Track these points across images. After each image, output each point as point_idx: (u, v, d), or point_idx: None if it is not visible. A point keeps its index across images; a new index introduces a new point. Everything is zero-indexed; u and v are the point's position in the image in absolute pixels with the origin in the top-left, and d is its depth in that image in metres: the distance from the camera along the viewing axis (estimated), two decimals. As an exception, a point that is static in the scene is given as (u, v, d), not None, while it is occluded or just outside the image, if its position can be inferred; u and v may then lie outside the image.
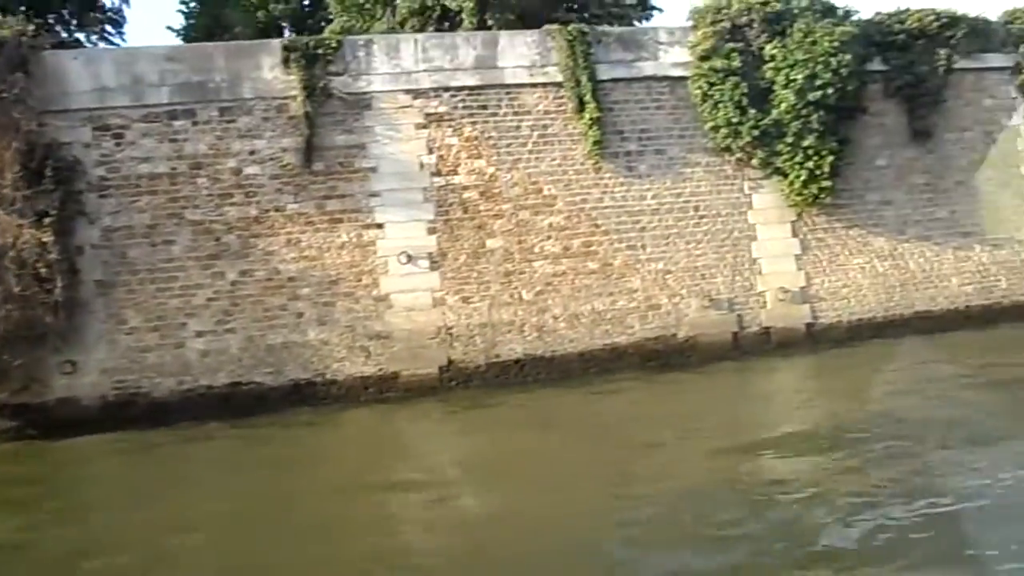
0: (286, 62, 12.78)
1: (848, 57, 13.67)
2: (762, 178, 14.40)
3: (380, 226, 13.00)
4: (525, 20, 15.79)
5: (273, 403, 12.19)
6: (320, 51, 12.92)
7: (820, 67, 13.60)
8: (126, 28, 20.85)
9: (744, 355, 13.99)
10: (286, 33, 22.82)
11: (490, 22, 16.65)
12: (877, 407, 10.07)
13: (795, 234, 14.60)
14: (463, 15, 16.69)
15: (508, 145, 13.57)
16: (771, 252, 14.42)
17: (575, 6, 18.25)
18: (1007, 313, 15.27)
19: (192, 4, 26.41)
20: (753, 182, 14.46)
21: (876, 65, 15.04)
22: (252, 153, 12.69)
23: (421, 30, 17.53)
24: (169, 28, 25.93)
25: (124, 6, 20.74)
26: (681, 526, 6.55)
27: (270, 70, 12.87)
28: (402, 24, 17.65)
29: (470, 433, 11.29)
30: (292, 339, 12.55)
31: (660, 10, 19.93)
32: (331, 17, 19.47)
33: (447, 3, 16.86)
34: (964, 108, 15.67)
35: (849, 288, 14.73)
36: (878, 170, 15.11)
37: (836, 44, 13.68)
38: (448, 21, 17.36)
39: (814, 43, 13.69)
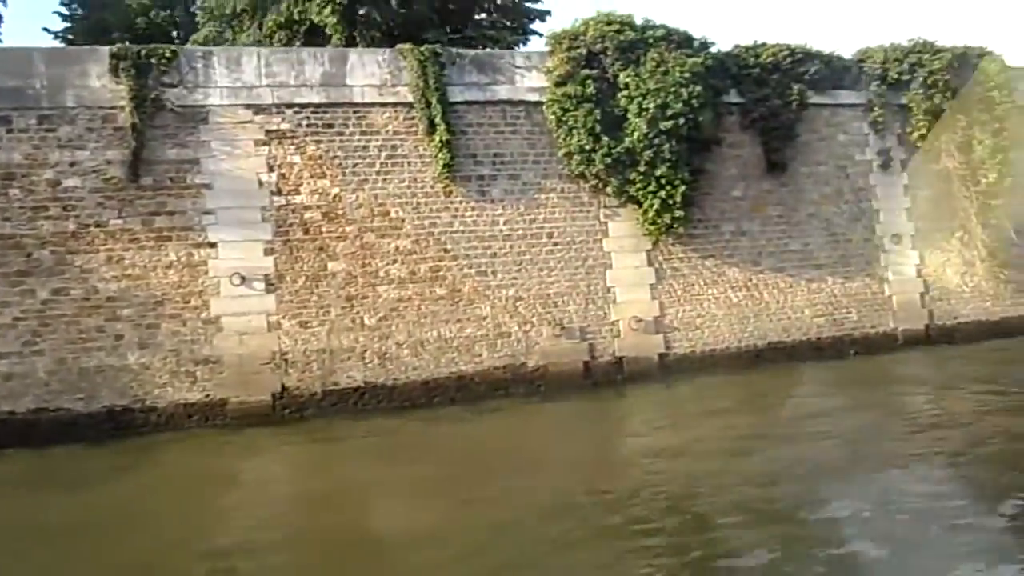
0: (115, 70, 12.11)
1: (699, 88, 13.76)
2: (618, 206, 14.36)
3: (213, 245, 12.38)
4: (397, 39, 15.41)
5: (83, 431, 11.38)
6: (153, 60, 12.29)
7: (671, 97, 13.65)
8: (2, 28, 19.64)
9: (595, 385, 13.85)
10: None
11: (358, 40, 16.22)
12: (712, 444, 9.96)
13: (650, 263, 14.58)
14: (329, 31, 16.26)
15: (354, 165, 13.16)
16: (626, 281, 14.36)
17: (450, 27, 18.05)
18: (857, 344, 15.57)
19: (73, 6, 25.35)
20: (609, 210, 14.40)
21: (733, 97, 15.25)
22: (73, 165, 11.94)
23: (288, 44, 17.03)
24: (46, 30, 24.69)
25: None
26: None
27: (97, 78, 12.17)
28: (269, 37, 17.13)
29: (309, 471, 10.53)
30: (109, 363, 11.77)
31: (539, 34, 20.04)
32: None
33: (314, 19, 16.40)
34: (819, 142, 16.02)
35: (703, 318, 14.77)
36: (734, 201, 15.27)
37: (687, 75, 13.76)
38: (318, 37, 16.89)
39: (666, 73, 13.75)
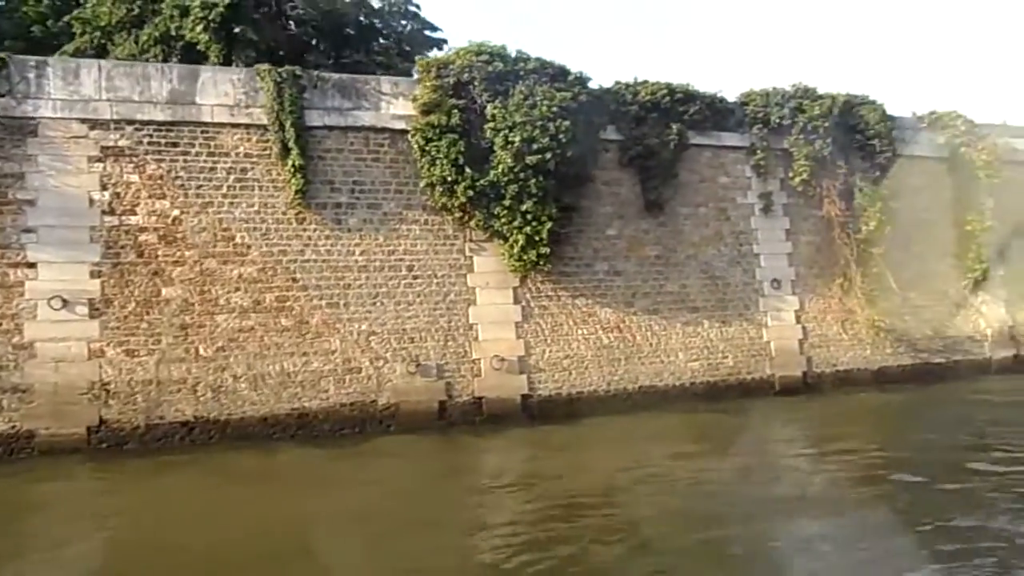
0: (-64, 76, 11.33)
1: (567, 123, 13.44)
2: (484, 240, 13.89)
3: (32, 266, 11.56)
4: (279, 61, 14.83)
5: None
6: (-22, 68, 11.54)
7: (538, 131, 13.31)
8: None
9: (451, 426, 13.24)
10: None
11: (235, 60, 15.65)
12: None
13: (517, 300, 14.10)
14: (203, 49, 15.67)
15: (199, 187, 12.50)
16: (490, 318, 13.84)
17: (335, 51, 17.60)
18: (732, 391, 15.23)
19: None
20: (475, 244, 13.93)
21: (611, 134, 14.99)
22: None
23: (165, 60, 16.37)
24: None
25: None
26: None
27: (-81, 84, 11.37)
28: (143, 52, 16.45)
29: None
30: (-99, 389, 10.82)
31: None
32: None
33: (189, 36, 15.81)
34: (700, 183, 15.83)
35: (571, 359, 14.30)
36: (609, 240, 14.93)
37: (556, 109, 13.45)
38: (195, 55, 16.28)
39: (534, 106, 13.42)
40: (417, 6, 18.72)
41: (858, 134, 16.33)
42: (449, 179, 13.31)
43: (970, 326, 17.69)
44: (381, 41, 18.58)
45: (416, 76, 13.95)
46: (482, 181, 13.38)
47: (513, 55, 14.10)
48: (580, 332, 14.44)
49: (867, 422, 13.23)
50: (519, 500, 9.24)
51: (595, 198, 14.89)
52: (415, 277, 13.52)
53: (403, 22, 18.99)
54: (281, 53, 16.77)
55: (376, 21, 18.68)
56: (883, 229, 16.30)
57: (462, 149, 13.28)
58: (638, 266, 15.10)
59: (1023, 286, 18.35)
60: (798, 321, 16.15)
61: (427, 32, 19.34)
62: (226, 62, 16.00)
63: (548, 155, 13.35)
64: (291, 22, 17.39)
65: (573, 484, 9.61)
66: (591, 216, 14.84)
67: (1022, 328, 18.14)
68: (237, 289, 12.48)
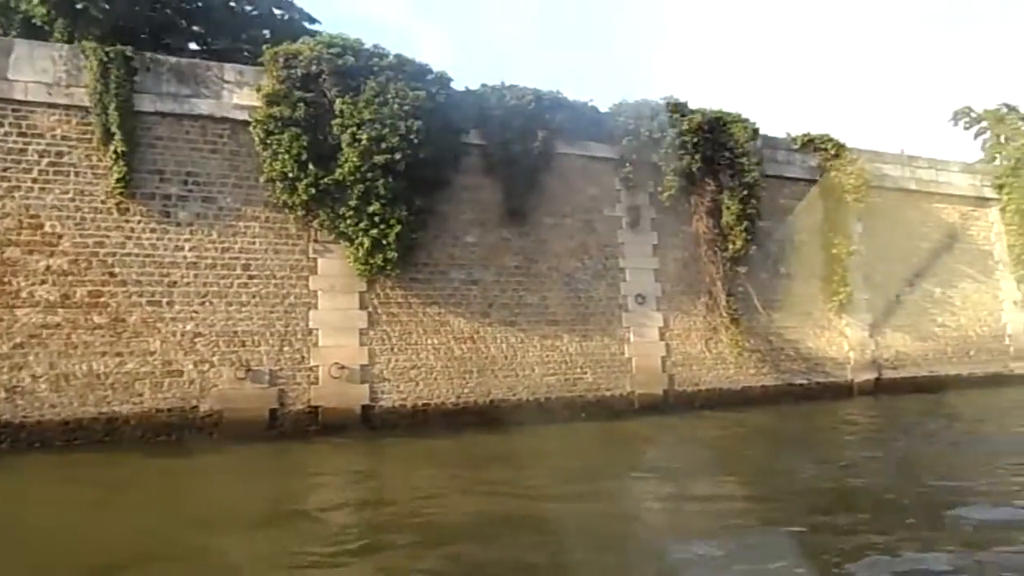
0: None
1: (419, 123, 12.89)
2: (330, 242, 13.19)
3: None
4: (124, 40, 13.81)
5: None
6: None
7: (388, 130, 12.73)
8: None
9: (282, 436, 12.45)
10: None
11: (78, 38, 14.55)
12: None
13: (363, 306, 13.44)
14: (38, 21, 14.56)
15: (5, 169, 11.46)
16: (332, 323, 13.14)
17: (204, 37, 16.69)
18: (590, 407, 14.88)
19: None
20: (321, 245, 13.23)
21: (474, 138, 14.51)
22: None
23: (3, 36, 15.16)
24: None
25: None
26: None
27: None
28: (-18, 24, 15.25)
29: None
30: None
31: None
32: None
33: (26, 9, 14.68)
34: (566, 193, 15.49)
35: (419, 370, 13.71)
36: (467, 247, 14.43)
37: (408, 108, 12.90)
38: (38, 31, 15.13)
39: (384, 104, 12.82)
40: (291, -7, 17.90)
41: (727, 152, 16.27)
42: (291, 175, 12.62)
43: (834, 349, 17.84)
44: (253, 32, 17.66)
45: (263, 66, 13.13)
46: (327, 179, 12.73)
47: (370, 50, 13.45)
48: (430, 341, 13.87)
49: (715, 446, 12.95)
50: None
51: (454, 203, 14.38)
52: (251, 277, 12.73)
53: (278, 11, 18.13)
54: (143, 35, 15.82)
55: (249, 8, 17.78)
56: (749, 248, 16.27)
57: (305, 144, 12.61)
58: (497, 275, 14.63)
59: (887, 311, 18.65)
60: (662, 338, 15.95)
61: (305, 24, 18.53)
62: (70, 40, 14.88)
63: (398, 155, 12.77)
64: (157, 3, 16.35)
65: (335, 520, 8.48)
66: (449, 222, 14.32)
67: (884, 352, 18.38)
68: (43, 282, 11.48)
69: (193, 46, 17.84)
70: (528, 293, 14.85)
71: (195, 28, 18.22)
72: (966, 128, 29.99)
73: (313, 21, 18.63)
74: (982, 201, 20.73)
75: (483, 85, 14.84)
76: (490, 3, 49.51)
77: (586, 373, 15.12)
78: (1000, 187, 20.63)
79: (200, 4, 16.73)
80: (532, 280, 14.94)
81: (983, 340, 19.95)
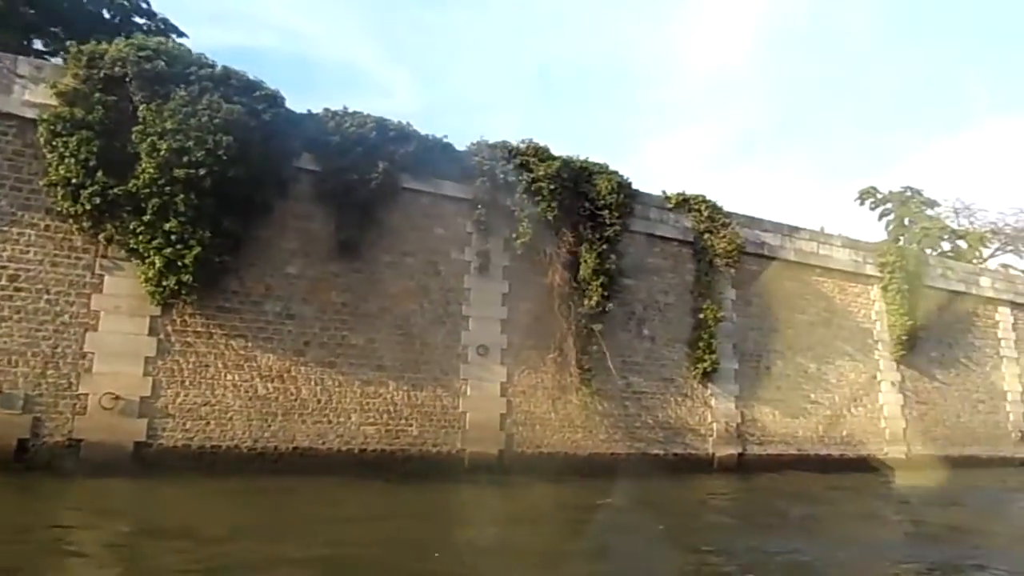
0: None
1: (231, 139, 11.83)
2: (123, 259, 11.93)
3: None
4: None
5: None
6: None
7: (193, 143, 11.63)
8: None
9: (30, 470, 10.91)
10: None
11: None
12: None
13: (154, 332, 12.14)
14: None
15: None
16: (112, 348, 11.79)
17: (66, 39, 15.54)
18: (413, 463, 13.61)
19: None
20: (111, 261, 11.96)
21: (308, 164, 13.50)
22: None
23: None
24: None
25: None
26: None
27: None
28: None
29: None
30: None
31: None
32: None
33: None
34: (410, 231, 14.52)
35: (212, 408, 12.37)
36: (287, 278, 13.29)
37: (218, 122, 11.85)
38: None
39: (193, 115, 11.76)
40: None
41: (587, 202, 15.52)
42: (75, 181, 11.45)
43: (696, 419, 16.91)
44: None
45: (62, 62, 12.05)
46: (117, 189, 11.53)
47: (191, 58, 12.46)
48: (231, 377, 12.57)
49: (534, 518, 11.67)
50: None
51: (277, 230, 13.28)
52: (17, 289, 11.40)
53: (140, 19, 17.17)
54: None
55: (110, 13, 16.79)
56: (606, 305, 15.39)
57: (96, 149, 11.49)
58: (319, 312, 13.46)
59: (757, 383, 17.87)
60: (503, 394, 14.84)
61: (173, 36, 17.57)
62: None
63: (203, 171, 11.67)
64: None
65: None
66: (269, 249, 13.19)
67: (751, 427, 17.52)
68: None
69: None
70: (353, 334, 13.68)
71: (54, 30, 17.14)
72: (872, 208, 30.20)
73: (181, 35, 17.69)
74: (864, 278, 20.30)
75: (325, 110, 13.92)
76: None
77: (411, 425, 13.90)
78: (883, 265, 20.23)
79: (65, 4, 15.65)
80: (359, 320, 13.79)
81: (857, 421, 19.24)
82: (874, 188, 29.76)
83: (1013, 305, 23.06)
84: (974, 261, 25.83)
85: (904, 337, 19.92)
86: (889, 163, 60.27)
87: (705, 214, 17.49)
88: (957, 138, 55.38)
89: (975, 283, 22.61)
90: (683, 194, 17.61)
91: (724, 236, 17.37)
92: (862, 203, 29.95)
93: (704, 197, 17.67)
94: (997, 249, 28.71)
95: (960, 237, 28.07)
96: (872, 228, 28.54)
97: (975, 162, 51.59)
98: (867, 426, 19.40)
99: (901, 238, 27.62)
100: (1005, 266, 27.04)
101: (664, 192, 17.66)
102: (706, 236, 17.46)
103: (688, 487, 15.12)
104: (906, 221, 28.67)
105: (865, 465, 18.76)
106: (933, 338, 21.02)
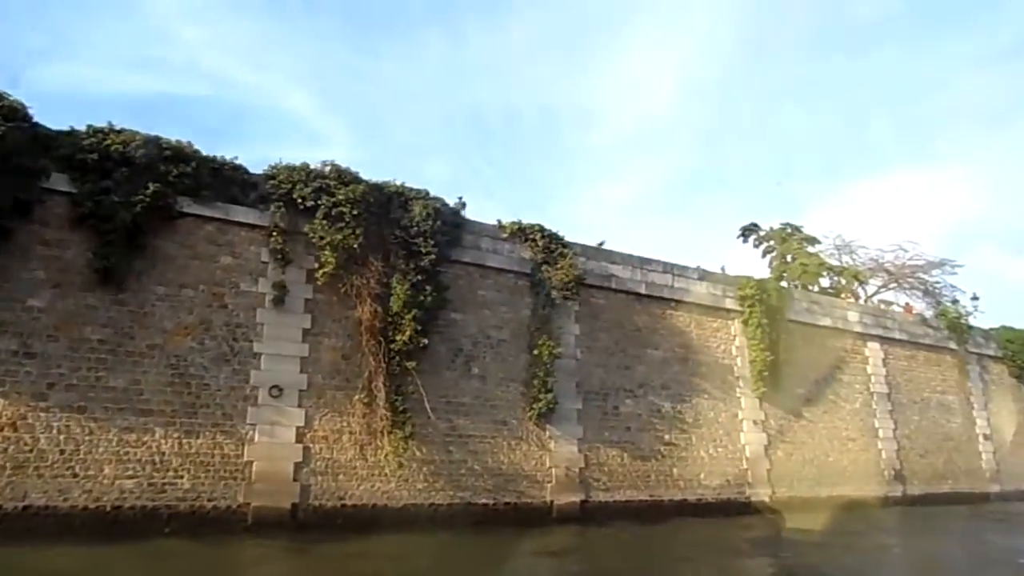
0: None
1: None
2: None
3: None
4: None
5: None
6: None
7: None
8: None
9: None
10: None
11: None
12: None
13: None
14: None
15: None
16: None
17: None
18: (182, 519, 11.93)
19: None
20: None
21: (61, 185, 12.03)
22: None
23: None
24: None
25: None
26: None
27: None
28: None
29: None
30: None
31: None
32: None
33: None
34: (191, 261, 13.10)
35: (-82, 462, 10.52)
36: (28, 312, 11.72)
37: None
38: None
39: None
40: None
41: (400, 230, 14.34)
42: None
43: (532, 464, 15.57)
44: None
45: None
46: None
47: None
48: (-50, 426, 10.80)
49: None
50: None
51: (19, 258, 11.74)
52: None
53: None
54: None
55: None
56: (420, 340, 14.10)
57: None
58: (70, 350, 11.86)
59: (603, 424, 16.68)
60: (300, 440, 13.32)
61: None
62: None
63: (-94, 187, 10.10)
64: None
65: None
66: (9, 281, 11.60)
67: (595, 472, 16.25)
68: None
69: None
70: (112, 374, 12.08)
71: None
72: (755, 246, 29.91)
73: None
74: (724, 312, 19.49)
75: (89, 126, 12.55)
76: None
77: (182, 477, 12.24)
78: (743, 299, 19.47)
79: None
80: (122, 359, 12.21)
81: (717, 462, 18.15)
82: (756, 225, 29.52)
83: (883, 340, 22.54)
84: (848, 297, 25.45)
85: (766, 373, 19.06)
86: (804, 208, 61.31)
87: (541, 244, 16.47)
88: (868, 183, 56.71)
89: (843, 318, 22.06)
90: (519, 223, 16.61)
91: (561, 267, 16.34)
92: (745, 240, 29.66)
93: (541, 226, 16.70)
94: (881, 287, 28.54)
95: (838, 273, 27.85)
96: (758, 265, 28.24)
97: (884, 207, 52.65)
98: (728, 468, 18.31)
99: (784, 274, 27.20)
100: (886, 303, 26.77)
101: (499, 221, 16.61)
102: (544, 268, 16.42)
103: (508, 543, 13.49)
104: (788, 258, 28.36)
105: (726, 509, 17.60)
106: (799, 374, 20.22)
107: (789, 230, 28.85)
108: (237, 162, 13.66)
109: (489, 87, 56.32)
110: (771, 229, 29.20)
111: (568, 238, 17.00)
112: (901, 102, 59.37)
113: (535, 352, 15.88)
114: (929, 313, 25.32)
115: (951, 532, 18.02)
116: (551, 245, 16.57)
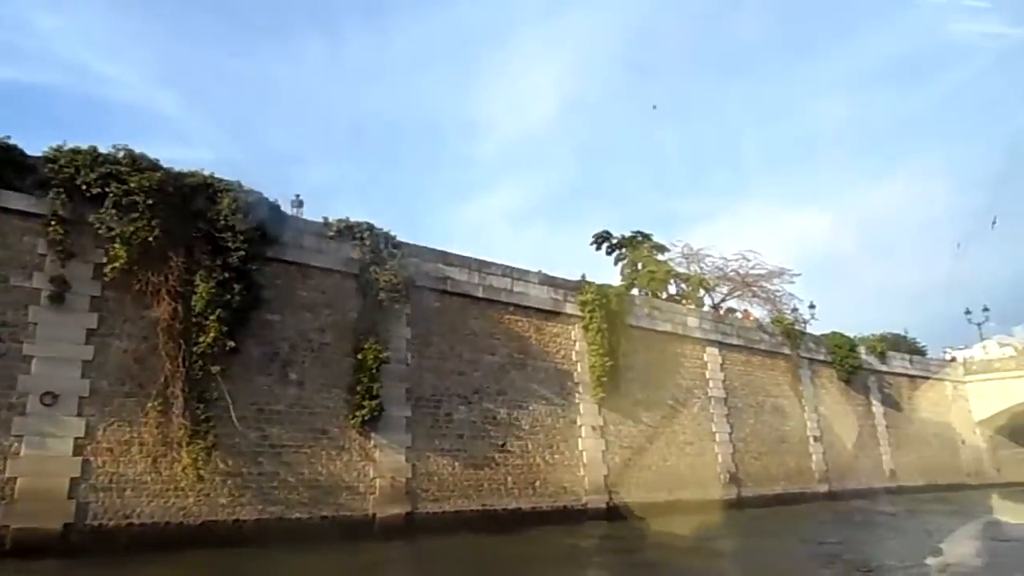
0: None
1: None
2: None
3: None
4: None
5: None
6: None
7: None
8: None
9: None
10: None
11: None
12: None
13: None
14: None
15: None
16: None
17: None
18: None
19: None
20: None
21: None
22: None
23: None
24: None
25: None
26: None
27: None
28: None
29: None
30: None
31: None
32: None
33: None
34: (-54, 252, 11.42)
35: None
36: None
37: None
38: None
39: None
40: None
41: (206, 223, 13.22)
42: None
43: (354, 475, 14.71)
44: None
45: None
46: None
47: None
48: None
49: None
50: None
51: None
52: None
53: None
54: None
55: None
56: (226, 343, 13.01)
57: None
58: None
59: (435, 430, 16.05)
60: (78, 453, 11.94)
61: None
62: None
63: None
64: None
65: None
66: None
67: (424, 482, 15.57)
68: None
69: None
70: None
71: None
72: (608, 253, 30.36)
73: None
74: (565, 317, 19.35)
75: None
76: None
77: (-76, 500, 10.59)
78: (583, 303, 19.41)
79: None
80: None
81: (554, 470, 17.89)
82: (608, 233, 29.94)
83: (721, 345, 23.17)
84: (691, 304, 26.11)
85: (605, 379, 19.03)
86: (685, 225, 63.21)
87: (370, 244, 15.71)
88: (741, 204, 59.41)
89: (683, 323, 22.50)
90: (346, 220, 15.80)
91: (390, 268, 15.64)
92: (598, 248, 30.05)
93: (371, 224, 15.96)
94: (727, 294, 29.51)
95: (685, 280, 28.64)
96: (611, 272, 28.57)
97: (754, 226, 55.09)
98: (565, 475, 18.09)
99: (634, 281, 27.63)
100: (731, 310, 27.64)
101: (325, 218, 15.74)
102: (372, 268, 15.66)
103: (317, 560, 12.56)
104: (639, 265, 28.90)
105: (562, 517, 17.32)
106: (639, 379, 20.39)
107: (640, 238, 29.44)
108: (10, 142, 12.14)
109: (371, 95, 55.11)
110: (623, 237, 29.73)
111: (444, 247, 16.55)
112: (768, 122, 62.49)
113: (359, 356, 15.05)
114: (767, 320, 26.34)
115: (774, 533, 18.46)
116: (380, 245, 15.83)
